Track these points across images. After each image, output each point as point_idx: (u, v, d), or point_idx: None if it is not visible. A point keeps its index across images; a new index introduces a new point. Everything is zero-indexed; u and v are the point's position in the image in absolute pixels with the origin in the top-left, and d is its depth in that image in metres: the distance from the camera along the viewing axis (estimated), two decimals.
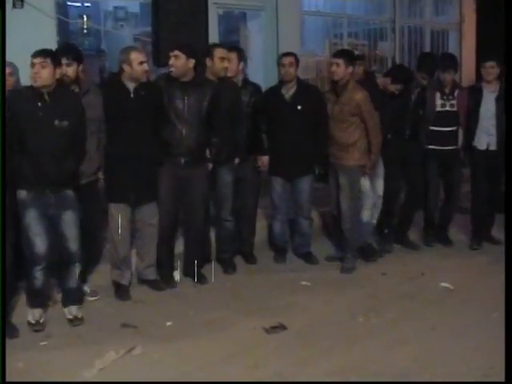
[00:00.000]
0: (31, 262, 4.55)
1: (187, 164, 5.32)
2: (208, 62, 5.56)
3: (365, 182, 5.99)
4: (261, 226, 6.47)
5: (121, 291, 5.29)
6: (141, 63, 5.04)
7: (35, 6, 5.64)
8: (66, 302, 4.84)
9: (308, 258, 6.19)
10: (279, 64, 5.86)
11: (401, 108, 6.16)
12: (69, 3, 7.45)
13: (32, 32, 5.49)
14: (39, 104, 4.42)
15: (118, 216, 5.19)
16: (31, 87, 4.46)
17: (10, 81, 4.73)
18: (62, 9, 7.07)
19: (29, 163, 4.42)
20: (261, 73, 7.93)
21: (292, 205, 6.09)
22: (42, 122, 4.42)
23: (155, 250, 5.45)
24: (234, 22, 8.65)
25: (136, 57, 5.04)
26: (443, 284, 5.49)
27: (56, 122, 4.45)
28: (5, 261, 4.34)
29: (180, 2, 6.70)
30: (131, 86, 5.08)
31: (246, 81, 5.94)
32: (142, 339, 4.44)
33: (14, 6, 5.56)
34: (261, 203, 6.30)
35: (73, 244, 4.68)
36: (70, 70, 4.74)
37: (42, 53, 4.41)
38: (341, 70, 5.63)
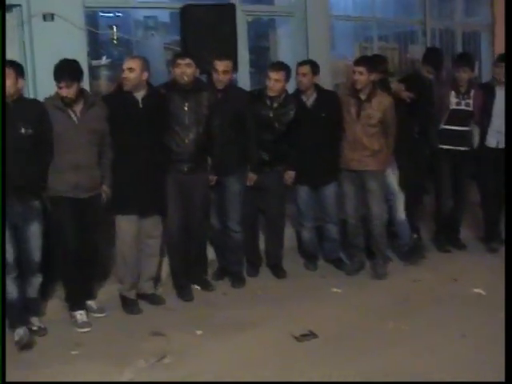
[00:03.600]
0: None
1: (190, 170, 5.30)
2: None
3: (392, 181, 6.00)
4: (288, 232, 6.37)
5: (128, 305, 5.21)
6: (124, 70, 4.99)
7: (65, 18, 5.71)
8: (27, 314, 4.73)
9: (338, 263, 6.17)
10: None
11: (408, 115, 6.07)
12: (99, 14, 7.53)
13: (62, 43, 5.53)
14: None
15: (127, 228, 5.10)
16: None
17: None
18: (92, 19, 7.13)
19: None
20: (291, 79, 7.92)
21: (318, 212, 6.06)
22: (8, 130, 4.34)
23: (156, 263, 5.38)
24: (263, 29, 8.64)
25: (125, 63, 5.03)
26: (476, 290, 5.44)
27: (22, 130, 4.42)
28: (5, 260, 4.36)
29: (208, 10, 6.72)
30: (139, 95, 5.00)
31: (287, 96, 5.82)
32: (172, 347, 4.46)
33: (45, 19, 5.63)
34: (286, 210, 6.25)
35: (36, 254, 4.62)
36: (70, 91, 4.64)
37: (6, 64, 4.40)
38: (364, 77, 5.61)
